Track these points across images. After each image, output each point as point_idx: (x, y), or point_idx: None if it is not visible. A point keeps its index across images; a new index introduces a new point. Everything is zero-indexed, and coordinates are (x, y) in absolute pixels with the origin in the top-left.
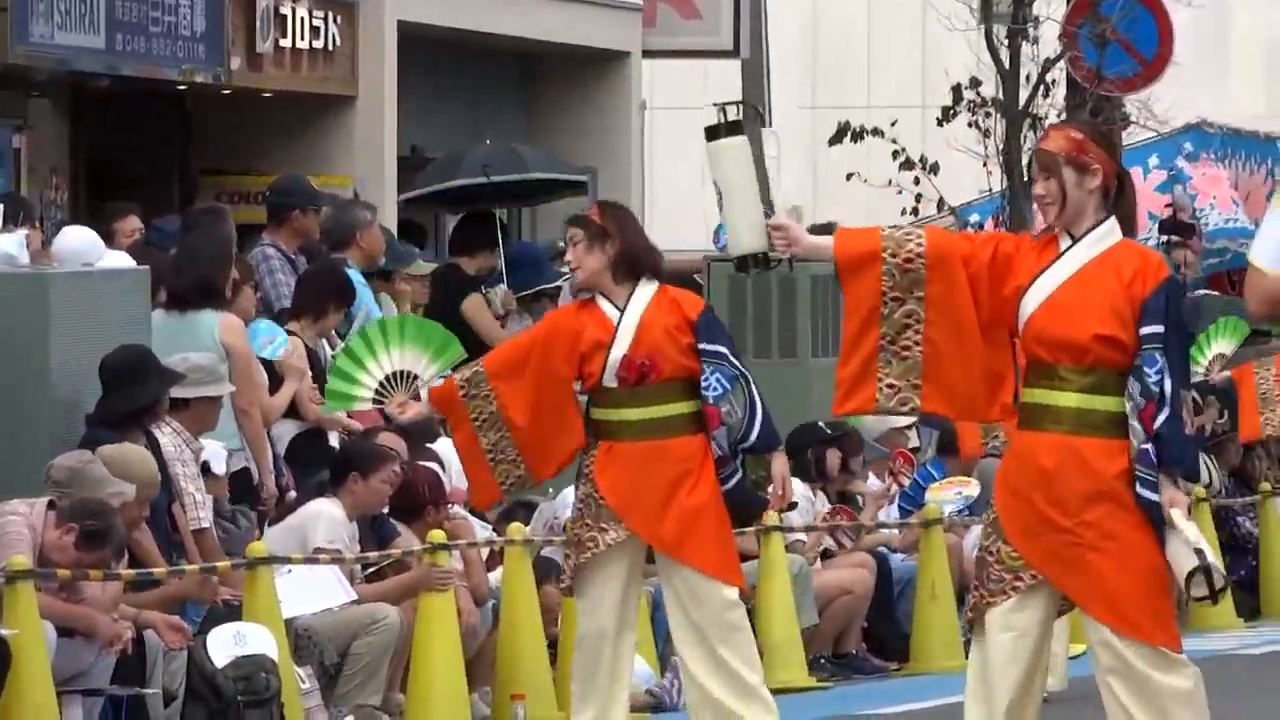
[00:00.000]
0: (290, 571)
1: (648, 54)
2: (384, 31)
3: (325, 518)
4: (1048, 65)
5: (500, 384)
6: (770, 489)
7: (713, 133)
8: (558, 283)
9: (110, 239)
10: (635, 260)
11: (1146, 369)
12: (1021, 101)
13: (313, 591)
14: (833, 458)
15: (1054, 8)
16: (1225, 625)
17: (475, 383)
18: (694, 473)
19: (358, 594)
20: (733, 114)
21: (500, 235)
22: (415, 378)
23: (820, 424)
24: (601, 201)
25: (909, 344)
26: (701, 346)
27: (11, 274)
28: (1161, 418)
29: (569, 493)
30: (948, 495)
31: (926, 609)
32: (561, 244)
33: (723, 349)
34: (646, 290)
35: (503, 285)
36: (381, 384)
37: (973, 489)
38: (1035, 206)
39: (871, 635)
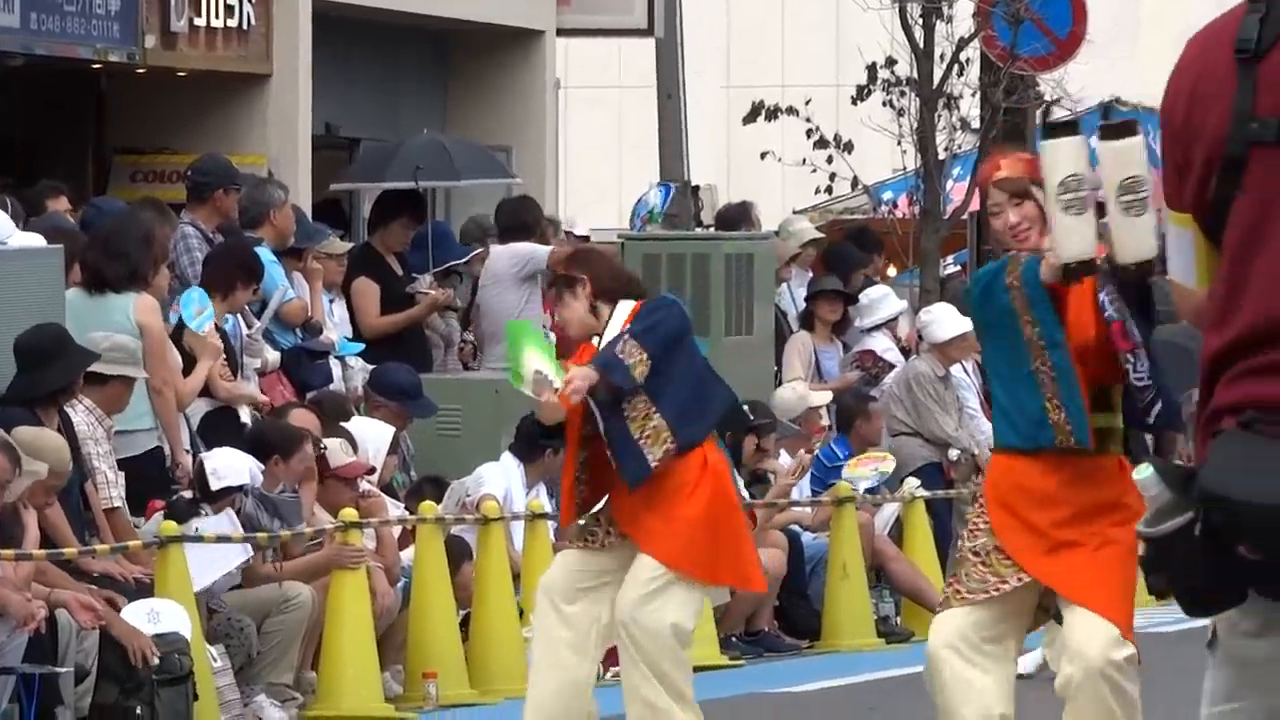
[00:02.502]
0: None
1: (562, 33)
2: (299, 10)
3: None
4: (962, 44)
5: None
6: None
7: (1069, 129)
8: (466, 259)
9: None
10: (608, 290)
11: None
12: (936, 80)
13: (214, 556)
14: (749, 444)
15: None
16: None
17: None
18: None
19: (271, 572)
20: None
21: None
22: None
23: (746, 409)
24: (559, 253)
25: None
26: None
27: None
28: (1155, 409)
29: (482, 471)
30: (864, 472)
31: (838, 587)
32: (485, 218)
33: (638, 329)
34: (623, 308)
35: (428, 275)
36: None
37: (889, 465)
38: (1000, 231)
39: (783, 613)
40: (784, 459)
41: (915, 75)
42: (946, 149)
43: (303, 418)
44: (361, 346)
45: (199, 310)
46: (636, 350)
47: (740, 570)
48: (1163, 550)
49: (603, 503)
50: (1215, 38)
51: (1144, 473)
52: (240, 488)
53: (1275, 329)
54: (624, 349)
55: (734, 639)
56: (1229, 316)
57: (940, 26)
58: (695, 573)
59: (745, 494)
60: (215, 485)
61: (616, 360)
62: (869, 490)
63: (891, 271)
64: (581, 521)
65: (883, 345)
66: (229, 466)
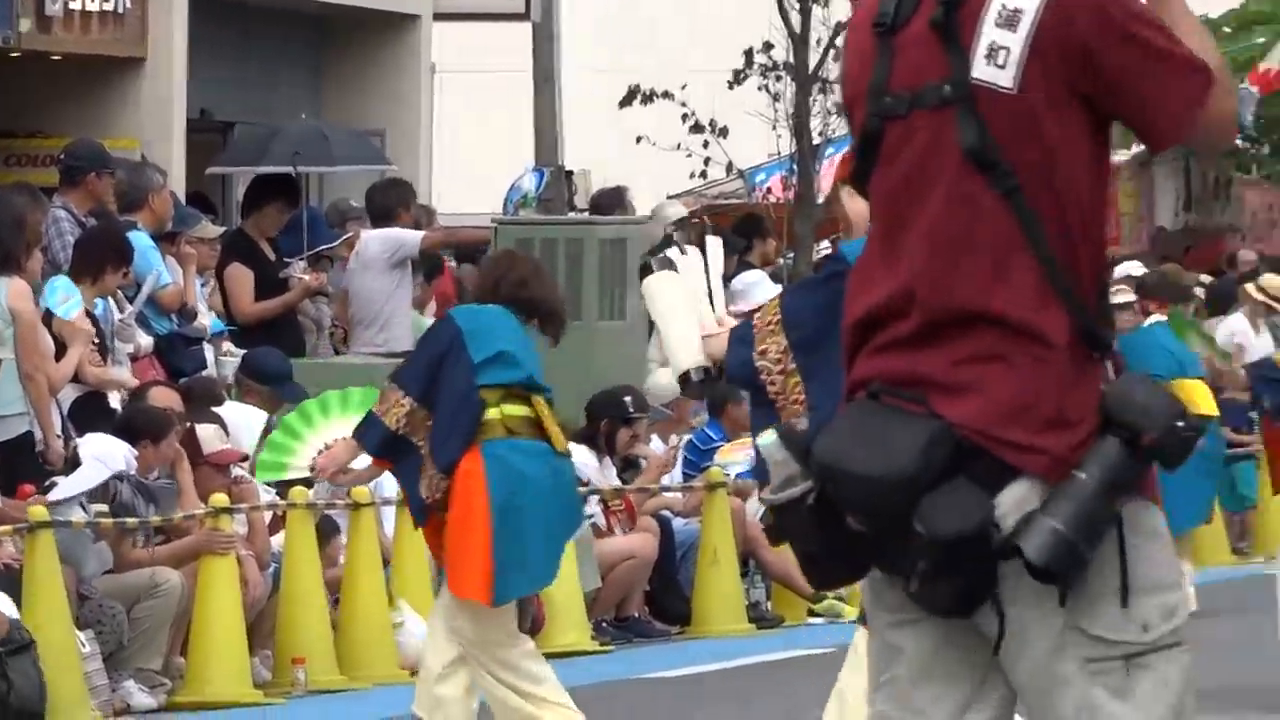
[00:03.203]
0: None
1: (439, 17)
2: None
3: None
4: (838, 29)
5: None
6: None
7: (644, 271)
8: (335, 244)
9: None
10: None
11: None
12: (811, 66)
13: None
14: (624, 435)
15: None
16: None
17: None
18: None
19: (143, 557)
20: (658, 263)
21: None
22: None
23: (625, 400)
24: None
25: None
26: None
27: None
28: None
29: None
30: (737, 458)
31: (708, 573)
32: (351, 203)
33: (398, 370)
34: None
35: (302, 261)
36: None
37: None
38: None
39: (654, 599)
40: (656, 444)
41: (792, 60)
42: (821, 134)
43: (163, 396)
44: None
45: (64, 298)
46: (393, 396)
47: (459, 578)
48: (784, 518)
49: None
50: (866, 13)
51: (767, 439)
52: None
53: (909, 304)
54: (382, 401)
55: (604, 624)
56: (869, 287)
57: (817, 11)
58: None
59: (617, 480)
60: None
61: (370, 420)
62: (740, 476)
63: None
64: None
65: None
66: (104, 452)
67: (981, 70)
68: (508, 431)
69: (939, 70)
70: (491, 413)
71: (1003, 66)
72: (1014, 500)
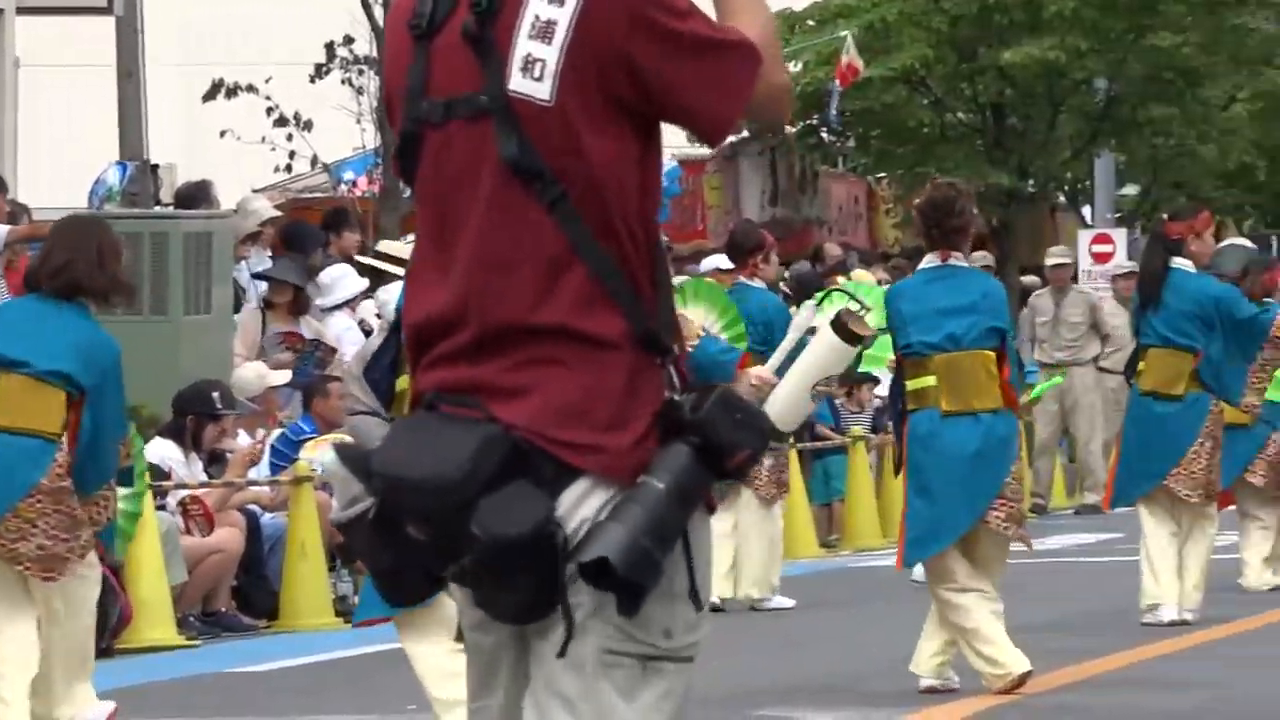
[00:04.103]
0: None
1: (22, 11)
2: None
3: None
4: None
5: None
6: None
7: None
8: None
9: None
10: None
11: None
12: None
13: None
14: (212, 430)
15: None
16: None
17: None
18: None
19: None
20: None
21: None
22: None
23: (212, 395)
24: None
25: None
26: None
27: None
28: None
29: None
30: (324, 453)
31: (297, 567)
32: None
33: None
34: None
35: None
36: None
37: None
38: None
39: (241, 593)
40: (243, 439)
41: (374, 53)
42: None
43: None
44: None
45: None
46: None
47: None
48: (351, 536)
49: None
50: (402, 11)
51: (327, 458)
52: None
53: (462, 318)
54: None
55: (191, 619)
56: (423, 297)
57: None
58: None
59: (204, 475)
60: None
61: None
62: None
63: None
64: None
65: (343, 324)
66: None
67: (518, 82)
68: None
69: (475, 81)
70: None
71: (539, 79)
72: (574, 500)
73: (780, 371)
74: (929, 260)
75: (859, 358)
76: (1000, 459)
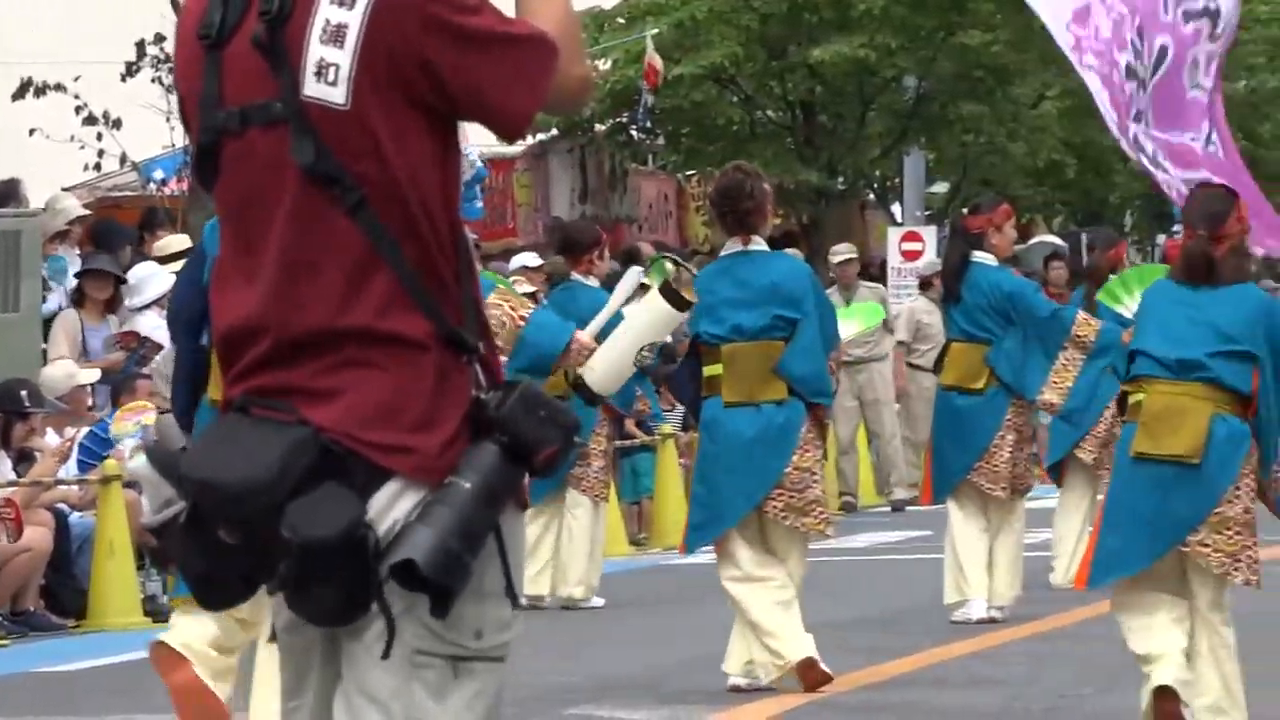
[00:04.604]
0: None
1: None
2: None
3: None
4: None
5: None
6: None
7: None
8: None
9: None
10: None
11: None
12: None
13: None
14: (20, 429)
15: None
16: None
17: None
18: None
19: None
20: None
21: None
22: None
23: (20, 394)
24: None
25: None
26: None
27: None
28: None
29: None
30: (128, 426)
31: (105, 566)
32: None
33: None
34: None
35: None
36: None
37: (150, 415)
38: None
39: (50, 592)
40: (51, 437)
41: None
42: None
43: None
44: None
45: None
46: None
47: None
48: (165, 540)
49: None
50: (192, 21)
51: (137, 461)
52: None
53: (268, 325)
54: None
55: None
56: (230, 304)
57: None
58: None
59: (12, 474)
60: None
61: None
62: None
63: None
64: None
65: (153, 323)
66: None
67: (312, 88)
68: None
69: (269, 88)
70: None
71: (334, 83)
72: (385, 502)
73: (602, 337)
74: (729, 246)
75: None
76: (779, 448)
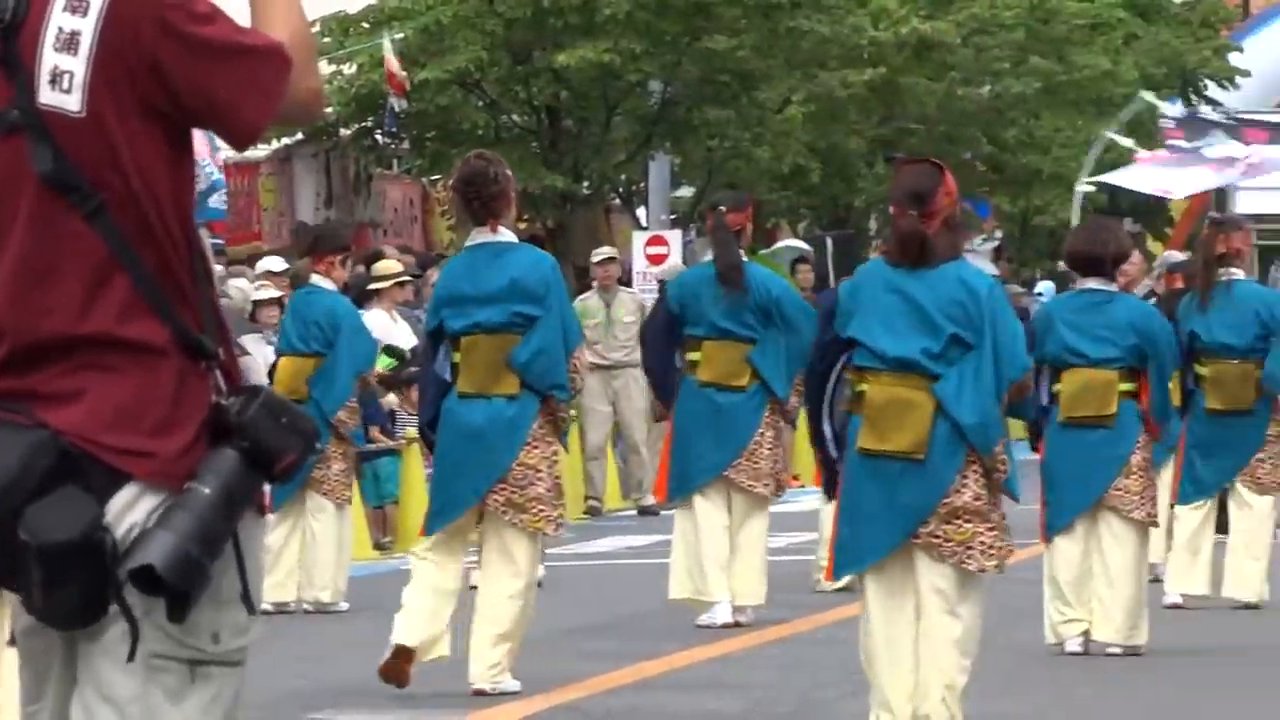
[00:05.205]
0: None
1: None
2: None
3: None
4: None
5: None
6: None
7: None
8: None
9: None
10: None
11: None
12: None
13: None
14: None
15: None
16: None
17: None
18: None
19: None
20: None
21: None
22: None
23: None
24: None
25: None
26: None
27: None
28: None
29: None
30: None
31: None
32: None
33: None
34: None
35: None
36: None
37: None
38: None
39: None
40: None
41: None
42: None
43: None
44: None
45: None
46: None
47: None
48: None
49: None
50: None
51: None
52: None
53: (6, 328)
54: None
55: None
56: None
57: None
58: None
59: None
60: None
61: None
62: None
63: None
64: None
65: None
66: None
67: (47, 96)
68: None
69: (5, 97)
70: None
71: (68, 91)
72: (123, 505)
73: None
74: (476, 236)
75: None
76: (505, 442)
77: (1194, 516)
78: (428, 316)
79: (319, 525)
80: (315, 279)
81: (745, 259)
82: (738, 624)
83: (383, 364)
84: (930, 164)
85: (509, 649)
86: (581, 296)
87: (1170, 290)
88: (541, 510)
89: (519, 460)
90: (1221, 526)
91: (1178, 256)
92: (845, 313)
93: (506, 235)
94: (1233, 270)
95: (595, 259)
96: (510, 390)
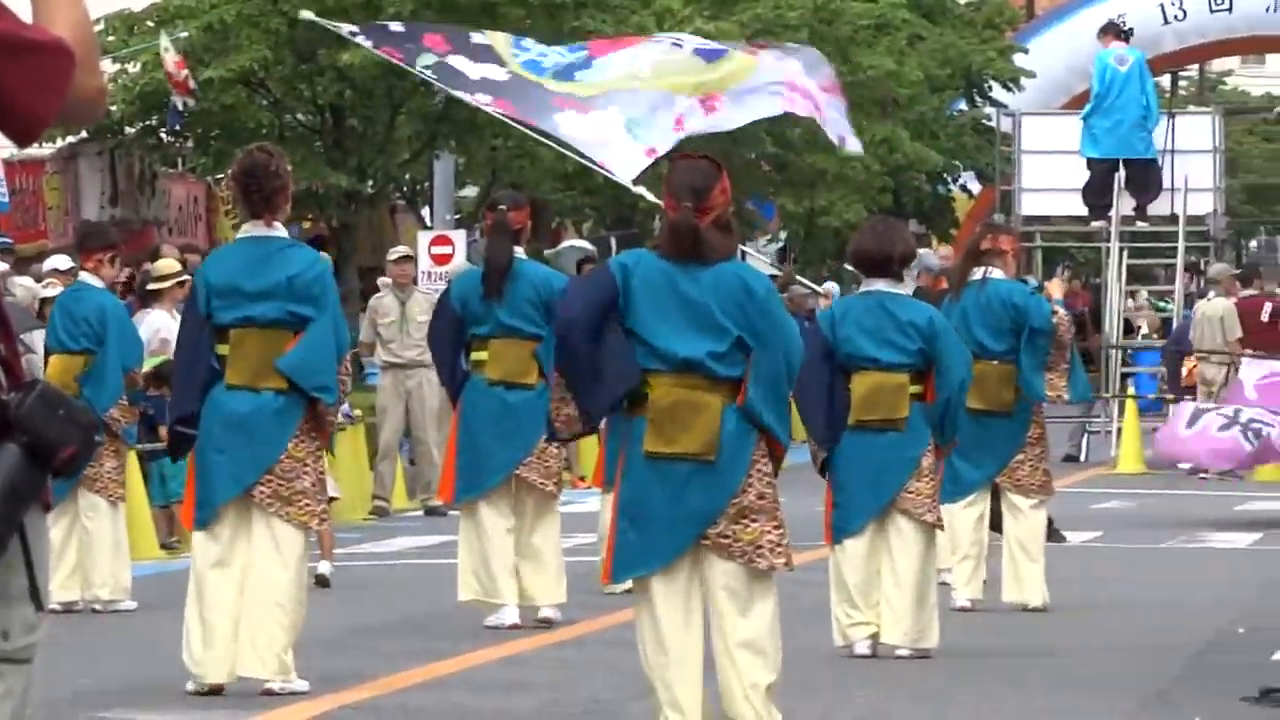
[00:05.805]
0: None
1: None
2: None
3: None
4: None
5: None
6: None
7: None
8: None
9: None
10: None
11: None
12: None
13: None
14: None
15: None
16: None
17: None
18: None
19: None
20: None
21: None
22: None
23: None
24: None
25: None
26: None
27: None
28: None
29: None
30: None
31: None
32: None
33: None
34: None
35: None
36: None
37: None
38: None
39: None
40: None
41: None
42: None
43: None
44: None
45: None
46: None
47: None
48: None
49: None
50: None
51: None
52: None
53: None
54: None
55: None
56: None
57: None
58: None
59: None
60: None
61: None
62: None
63: None
64: None
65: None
66: None
67: None
68: None
69: None
70: None
71: None
72: None
73: None
74: (250, 229)
75: None
76: (273, 433)
77: (967, 516)
78: (194, 302)
79: (93, 523)
80: (84, 276)
81: (524, 258)
82: (549, 621)
83: (152, 361)
84: (708, 161)
85: (285, 643)
86: (376, 296)
87: (933, 289)
88: (307, 505)
89: (287, 453)
90: (996, 525)
91: (933, 259)
92: (622, 290)
93: (280, 231)
94: (993, 270)
95: (391, 257)
96: (279, 385)
